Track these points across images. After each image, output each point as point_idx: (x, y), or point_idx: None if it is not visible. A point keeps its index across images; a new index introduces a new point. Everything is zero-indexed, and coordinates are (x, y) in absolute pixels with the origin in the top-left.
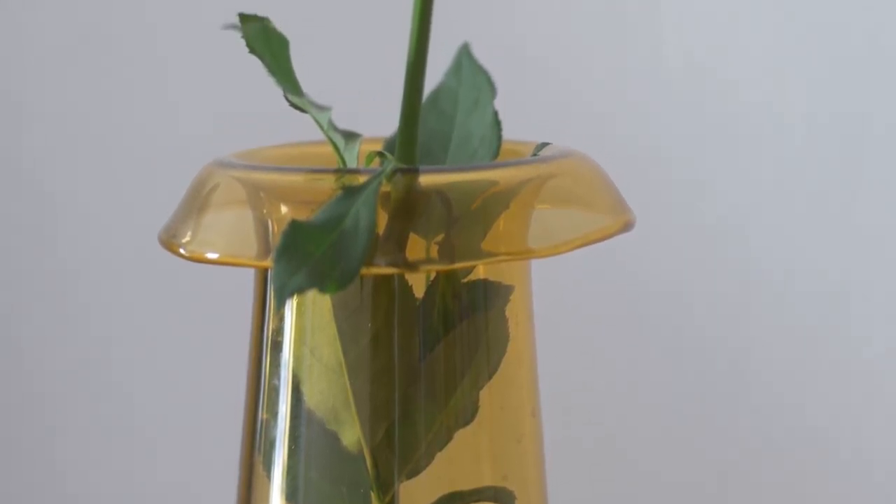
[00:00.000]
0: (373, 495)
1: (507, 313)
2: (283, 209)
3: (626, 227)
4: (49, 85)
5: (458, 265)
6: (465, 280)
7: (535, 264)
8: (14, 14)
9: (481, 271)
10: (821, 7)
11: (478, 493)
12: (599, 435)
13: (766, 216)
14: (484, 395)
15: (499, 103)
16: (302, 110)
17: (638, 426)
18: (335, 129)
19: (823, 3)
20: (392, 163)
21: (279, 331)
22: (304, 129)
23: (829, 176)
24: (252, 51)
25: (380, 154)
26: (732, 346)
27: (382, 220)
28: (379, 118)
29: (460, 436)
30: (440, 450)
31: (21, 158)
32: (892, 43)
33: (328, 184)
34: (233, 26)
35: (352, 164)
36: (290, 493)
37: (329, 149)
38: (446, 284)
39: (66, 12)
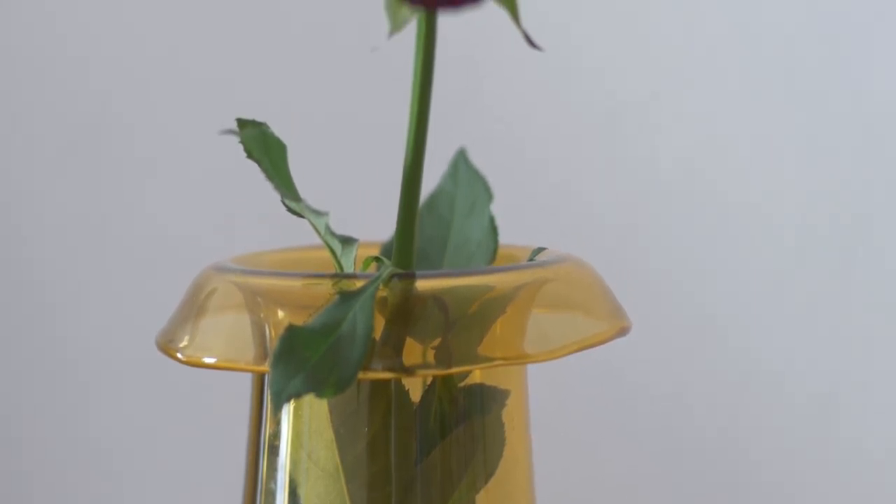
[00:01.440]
0: None
1: (504, 417)
2: (281, 314)
3: (622, 332)
4: (48, 187)
5: (454, 370)
6: (462, 384)
7: (532, 366)
8: (12, 104)
9: (478, 375)
10: (815, 109)
11: None
12: None
13: (761, 316)
14: (481, 498)
15: (495, 207)
16: (299, 215)
17: None
18: (332, 234)
19: (816, 105)
20: (389, 268)
21: (276, 434)
22: (301, 232)
23: (823, 274)
24: (250, 156)
25: (377, 259)
26: (730, 448)
27: (379, 324)
28: (376, 222)
29: None
30: None
31: (21, 262)
32: (886, 145)
33: (325, 289)
34: (231, 131)
35: (349, 268)
36: None
37: (326, 253)
38: (443, 389)
39: (66, 105)
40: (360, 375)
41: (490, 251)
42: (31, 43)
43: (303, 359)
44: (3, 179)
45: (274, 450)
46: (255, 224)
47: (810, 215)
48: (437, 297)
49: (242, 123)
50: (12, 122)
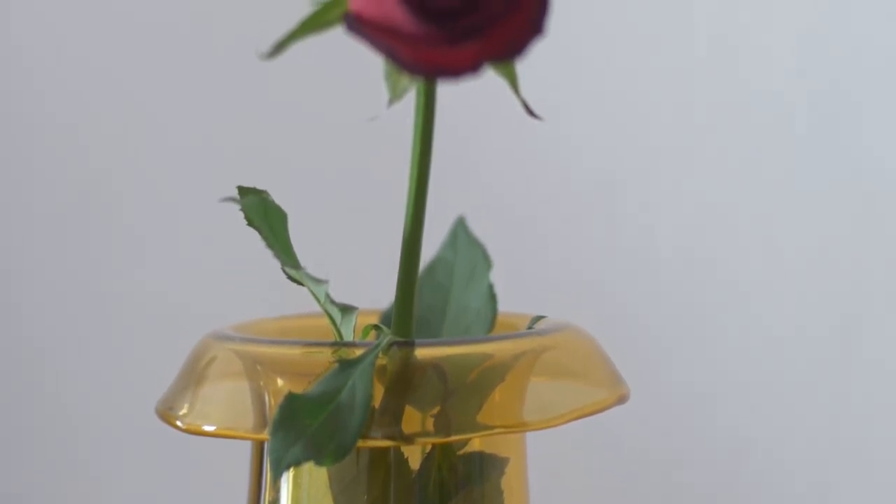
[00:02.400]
0: None
1: (503, 485)
2: (280, 382)
3: (621, 400)
4: (47, 254)
5: (453, 438)
6: (461, 452)
7: (531, 434)
8: (12, 172)
9: (477, 443)
10: (811, 182)
11: None
12: None
13: (758, 385)
14: None
15: (494, 275)
16: (299, 283)
17: None
18: (332, 302)
19: (813, 178)
20: (388, 336)
21: (276, 502)
22: (301, 300)
23: (821, 346)
24: (250, 223)
25: (376, 327)
26: None
27: (378, 392)
28: (375, 289)
29: None
30: None
31: (21, 331)
32: (884, 218)
33: (325, 357)
34: (231, 199)
35: (348, 337)
36: None
37: (326, 321)
38: (442, 457)
39: (64, 170)
40: (360, 443)
41: (489, 319)
42: (28, 111)
43: (302, 427)
44: (2, 254)
45: None
46: (255, 291)
47: (808, 288)
48: (436, 366)
49: (243, 191)
50: (10, 190)
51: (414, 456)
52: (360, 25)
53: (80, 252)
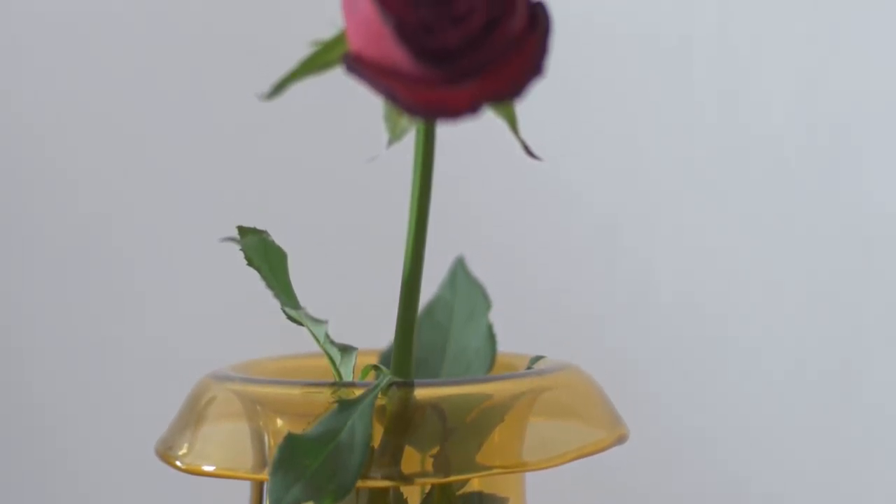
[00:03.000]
0: None
1: None
2: (280, 422)
3: (620, 440)
4: (47, 293)
5: (453, 478)
6: (461, 492)
7: (530, 474)
8: (12, 223)
9: (476, 483)
10: (812, 233)
11: None
12: None
13: (756, 427)
14: None
15: (494, 315)
16: (299, 323)
17: None
18: (331, 342)
19: (813, 229)
20: (387, 376)
21: None
22: (300, 339)
23: (820, 394)
24: (250, 263)
25: (375, 367)
26: None
27: (378, 433)
28: (375, 329)
29: None
30: None
31: (22, 370)
32: (885, 270)
33: (324, 397)
34: (232, 239)
35: (348, 377)
36: None
37: (325, 361)
38: (441, 497)
39: (64, 216)
40: (359, 484)
41: (488, 359)
42: (28, 156)
43: (302, 467)
44: (2, 295)
45: None
46: (254, 331)
47: (806, 332)
48: (435, 406)
49: (243, 231)
50: (11, 235)
51: (413, 496)
52: (360, 66)
53: (80, 292)
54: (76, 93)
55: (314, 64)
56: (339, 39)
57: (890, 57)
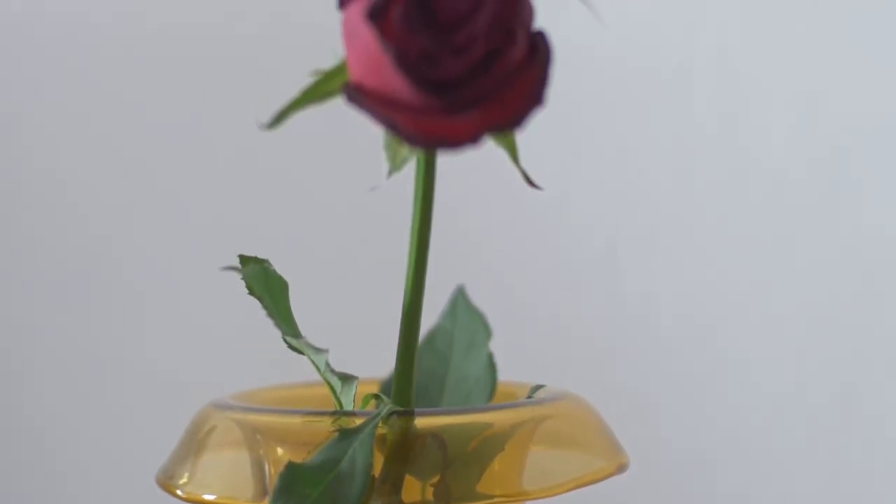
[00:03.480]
0: None
1: None
2: (280, 451)
3: (621, 469)
4: (48, 323)
5: None
6: None
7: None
8: (13, 247)
9: None
10: (811, 251)
11: None
12: None
13: (757, 455)
14: None
15: (494, 343)
16: (300, 352)
17: None
18: (332, 371)
19: (813, 247)
20: (388, 405)
21: None
22: (301, 368)
23: (820, 416)
24: (251, 292)
25: (376, 396)
26: None
27: (378, 462)
28: (375, 358)
29: None
30: None
31: (21, 402)
32: (884, 287)
33: (325, 426)
34: (232, 268)
35: (348, 406)
36: None
37: (326, 390)
38: None
39: (65, 243)
40: None
41: (489, 388)
42: (30, 182)
43: (302, 496)
44: (2, 322)
45: None
46: (255, 359)
47: (807, 355)
48: (435, 435)
49: (244, 260)
50: (12, 259)
51: None
52: (360, 96)
53: (80, 321)
54: (78, 116)
55: (315, 93)
56: (340, 69)
57: (890, 82)
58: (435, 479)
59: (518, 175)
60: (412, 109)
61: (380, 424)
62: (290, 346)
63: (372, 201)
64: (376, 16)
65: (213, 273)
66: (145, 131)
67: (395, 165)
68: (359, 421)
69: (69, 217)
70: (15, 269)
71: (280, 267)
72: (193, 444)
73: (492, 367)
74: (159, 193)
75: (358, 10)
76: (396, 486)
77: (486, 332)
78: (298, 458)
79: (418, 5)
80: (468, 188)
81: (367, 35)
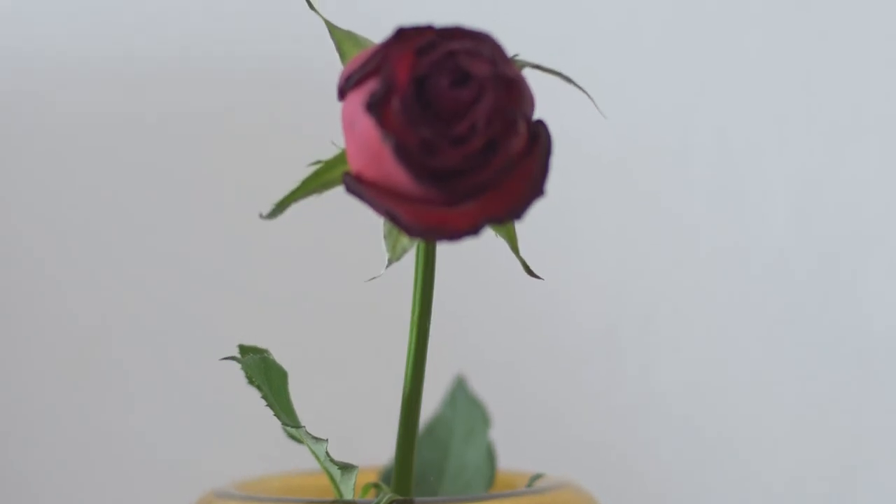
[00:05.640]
0: None
1: None
2: None
3: None
4: (49, 408)
5: None
6: None
7: None
8: (12, 330)
9: None
10: (809, 328)
11: None
12: None
13: None
14: None
15: (494, 431)
16: (299, 441)
17: None
18: (332, 460)
19: (810, 323)
20: (388, 494)
21: None
22: (302, 455)
23: (820, 501)
24: (251, 382)
25: (376, 485)
26: None
27: None
28: (375, 444)
29: None
30: None
31: (21, 489)
32: (881, 368)
33: None
34: (233, 358)
35: (348, 495)
36: None
37: (327, 479)
38: None
39: (63, 325)
40: None
41: (488, 477)
42: (27, 265)
43: None
44: (2, 405)
45: None
46: (257, 447)
47: (806, 441)
48: None
49: (244, 350)
50: (9, 344)
51: None
52: (360, 186)
53: (80, 409)
54: (69, 201)
55: (315, 183)
56: (340, 158)
57: (887, 159)
58: None
59: (517, 262)
60: (412, 200)
61: None
62: (290, 436)
63: (372, 290)
64: (376, 106)
65: (214, 361)
66: (142, 217)
67: (395, 255)
68: None
69: (64, 298)
70: (13, 351)
71: (280, 354)
72: None
73: (491, 455)
74: (159, 281)
75: (357, 100)
76: None
77: (486, 421)
78: None
79: (418, 96)
80: (467, 274)
81: (367, 125)
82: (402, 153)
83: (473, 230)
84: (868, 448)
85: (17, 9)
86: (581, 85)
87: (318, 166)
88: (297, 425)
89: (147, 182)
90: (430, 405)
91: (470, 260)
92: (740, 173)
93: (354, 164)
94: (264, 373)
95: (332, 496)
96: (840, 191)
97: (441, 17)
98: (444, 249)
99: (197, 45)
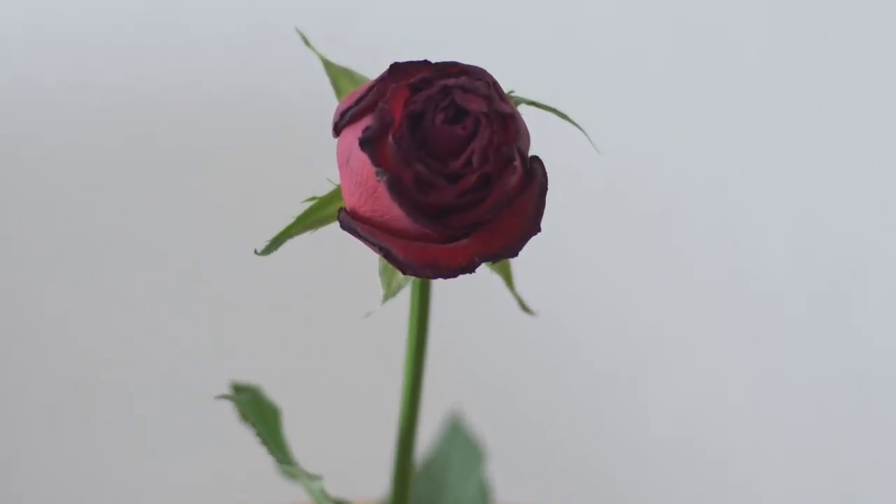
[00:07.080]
0: None
1: None
2: None
3: None
4: (48, 458)
5: None
6: None
7: None
8: (12, 375)
9: None
10: (806, 366)
11: None
12: None
13: None
14: None
15: (491, 465)
16: (294, 478)
17: None
18: (327, 497)
19: (808, 362)
20: None
21: None
22: (296, 490)
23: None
24: (244, 419)
25: None
26: None
27: None
28: (371, 481)
29: None
30: None
31: None
32: (883, 414)
33: None
34: (226, 396)
35: None
36: None
37: None
38: None
39: (60, 372)
40: None
41: None
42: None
43: None
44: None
45: None
46: (254, 482)
47: (806, 477)
48: None
49: (237, 388)
50: (11, 393)
51: None
52: (355, 222)
53: (80, 459)
54: (68, 250)
55: (310, 219)
56: (335, 195)
57: (887, 198)
58: None
59: (512, 298)
60: (407, 237)
61: None
62: (285, 473)
63: (368, 322)
64: (370, 142)
65: (208, 400)
66: (136, 257)
67: (390, 291)
68: None
69: (62, 336)
70: (14, 395)
71: (274, 390)
72: None
73: (486, 492)
74: (156, 315)
75: (352, 136)
76: None
77: (481, 456)
78: None
79: (413, 132)
80: (462, 310)
81: (362, 161)
82: (397, 190)
83: (468, 267)
84: (868, 475)
85: (20, 35)
86: (576, 118)
87: (313, 202)
88: (291, 462)
89: (147, 214)
90: (425, 436)
91: (466, 292)
92: (737, 204)
93: (349, 201)
94: (257, 411)
95: None
96: (837, 219)
97: (437, 51)
98: (440, 281)
99: (194, 78)
